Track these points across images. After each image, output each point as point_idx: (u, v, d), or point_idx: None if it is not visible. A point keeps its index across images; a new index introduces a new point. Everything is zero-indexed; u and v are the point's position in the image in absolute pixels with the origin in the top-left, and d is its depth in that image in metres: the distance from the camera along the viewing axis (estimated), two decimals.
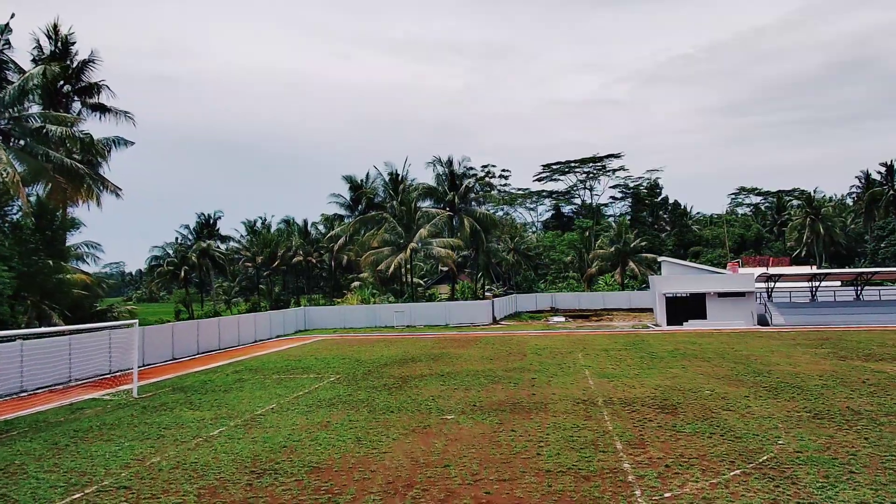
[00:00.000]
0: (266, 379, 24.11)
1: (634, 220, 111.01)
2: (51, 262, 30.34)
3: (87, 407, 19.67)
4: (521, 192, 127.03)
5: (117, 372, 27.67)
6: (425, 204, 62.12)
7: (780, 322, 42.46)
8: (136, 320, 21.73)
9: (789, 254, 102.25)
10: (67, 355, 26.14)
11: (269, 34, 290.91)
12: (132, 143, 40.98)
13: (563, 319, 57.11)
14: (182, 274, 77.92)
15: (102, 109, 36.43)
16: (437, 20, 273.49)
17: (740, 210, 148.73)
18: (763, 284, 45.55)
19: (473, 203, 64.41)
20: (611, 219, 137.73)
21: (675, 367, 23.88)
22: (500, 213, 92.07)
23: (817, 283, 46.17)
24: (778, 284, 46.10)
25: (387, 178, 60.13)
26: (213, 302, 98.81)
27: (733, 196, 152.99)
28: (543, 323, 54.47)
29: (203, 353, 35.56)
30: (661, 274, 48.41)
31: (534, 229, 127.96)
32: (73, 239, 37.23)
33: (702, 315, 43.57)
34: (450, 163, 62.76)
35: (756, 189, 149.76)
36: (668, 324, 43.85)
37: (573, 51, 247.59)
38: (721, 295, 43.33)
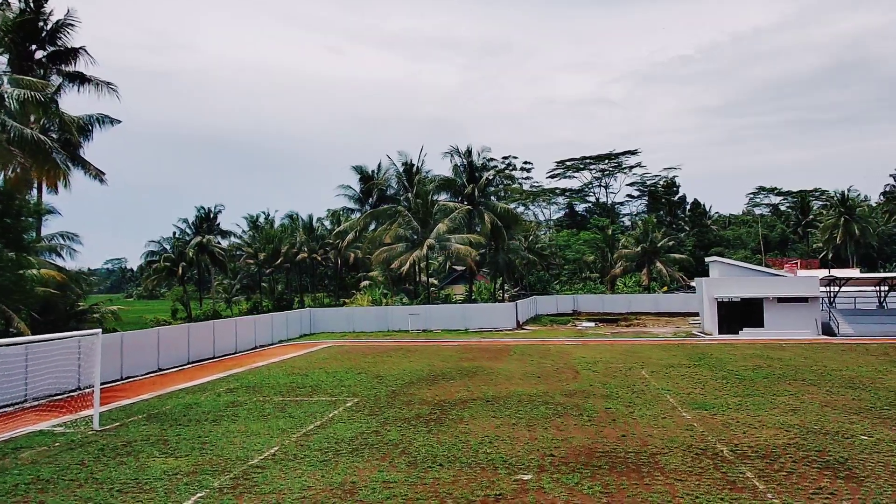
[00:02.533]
0: (266, 403, 19.24)
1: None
2: (13, 255, 25.51)
3: (29, 445, 14.83)
4: (534, 188, 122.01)
5: (86, 388, 22.82)
6: (441, 197, 57.18)
7: (847, 332, 37.50)
8: (99, 330, 16.91)
9: (814, 255, 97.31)
10: (23, 369, 21.33)
11: (262, 29, 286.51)
12: (118, 122, 36.17)
13: (593, 324, 52.21)
14: (179, 270, 73.15)
15: (81, 79, 31.54)
16: (432, 17, 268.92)
17: (757, 210, 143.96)
18: (825, 289, 40.59)
19: (493, 197, 59.39)
20: (626, 218, 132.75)
21: (782, 395, 18.95)
22: (521, 208, 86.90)
23: (885, 289, 41.17)
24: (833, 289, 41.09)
25: (400, 169, 55.14)
26: (212, 300, 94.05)
27: (751, 196, 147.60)
28: (572, 328, 49.58)
29: (194, 362, 30.71)
30: (709, 275, 43.53)
31: (547, 228, 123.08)
32: (46, 229, 32.47)
33: (758, 322, 38.59)
34: (469, 153, 57.77)
35: (776, 188, 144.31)
36: (720, 332, 38.90)
37: (570, 50, 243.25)
38: (781, 300, 38.36)
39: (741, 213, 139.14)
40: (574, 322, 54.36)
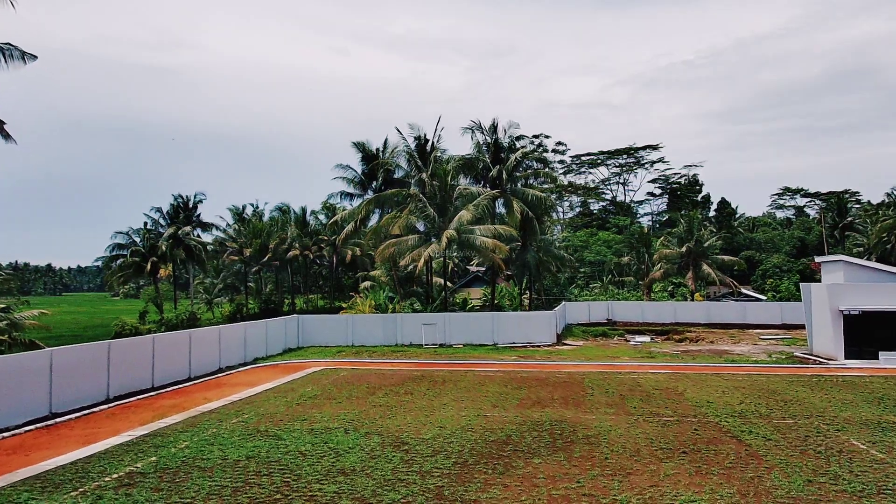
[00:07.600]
0: None
1: (671, 219, 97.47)
2: None
3: None
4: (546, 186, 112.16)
5: None
6: (459, 182, 47.06)
7: None
8: None
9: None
10: None
11: (268, 28, 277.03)
12: (33, 57, 26.41)
13: (648, 339, 42.27)
14: (149, 266, 62.77)
15: None
16: (437, 19, 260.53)
17: (780, 213, 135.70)
18: None
19: (519, 183, 49.35)
20: (645, 218, 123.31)
21: None
22: (554, 197, 76.88)
23: None
24: None
25: (412, 145, 44.84)
26: (191, 301, 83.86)
27: (775, 197, 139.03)
28: (624, 344, 39.70)
29: (118, 398, 20.51)
30: (819, 279, 33.68)
31: (561, 226, 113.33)
32: None
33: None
34: (493, 129, 47.77)
35: (801, 189, 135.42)
36: (847, 356, 28.96)
37: (573, 53, 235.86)
38: None
39: (762, 214, 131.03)
40: (625, 336, 44.39)
